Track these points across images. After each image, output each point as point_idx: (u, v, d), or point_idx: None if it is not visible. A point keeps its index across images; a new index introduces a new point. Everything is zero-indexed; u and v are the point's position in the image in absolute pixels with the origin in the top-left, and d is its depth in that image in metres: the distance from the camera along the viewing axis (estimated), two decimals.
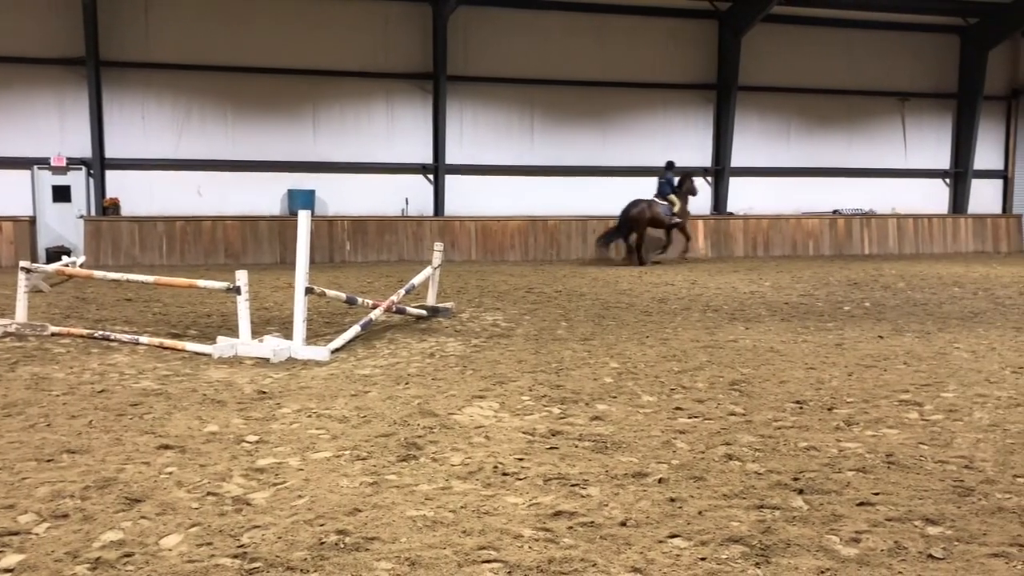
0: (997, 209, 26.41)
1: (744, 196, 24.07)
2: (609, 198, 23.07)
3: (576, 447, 5.40)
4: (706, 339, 9.54)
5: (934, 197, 25.98)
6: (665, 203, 19.97)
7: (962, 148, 25.60)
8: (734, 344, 9.23)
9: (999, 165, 26.41)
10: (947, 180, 26.05)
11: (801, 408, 6.47)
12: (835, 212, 24.54)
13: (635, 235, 19.72)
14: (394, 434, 5.64)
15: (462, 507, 4.33)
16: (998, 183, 26.50)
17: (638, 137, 23.46)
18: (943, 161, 25.91)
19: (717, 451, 5.33)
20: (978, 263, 21.01)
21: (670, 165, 20.81)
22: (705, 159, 24.02)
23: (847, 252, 23.95)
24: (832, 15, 23.73)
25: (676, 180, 20.42)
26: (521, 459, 5.14)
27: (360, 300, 10.01)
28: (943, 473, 4.94)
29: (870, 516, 4.26)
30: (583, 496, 4.51)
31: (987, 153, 26.01)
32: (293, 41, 21.00)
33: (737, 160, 23.80)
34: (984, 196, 26.19)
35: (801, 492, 4.60)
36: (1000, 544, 3.93)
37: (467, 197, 22.31)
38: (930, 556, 3.80)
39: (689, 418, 6.15)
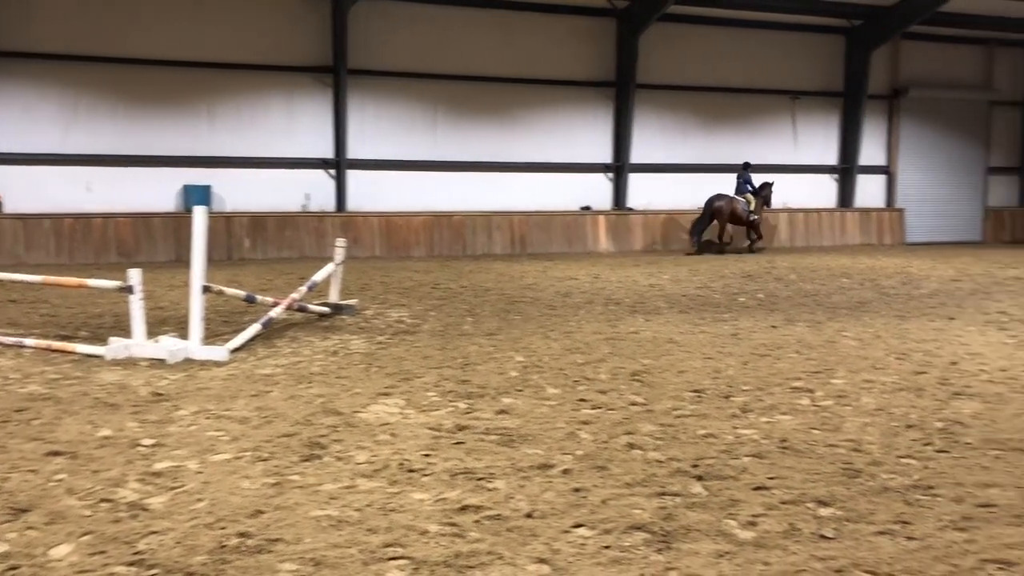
0: (881, 203, 27.65)
1: (643, 192, 24.53)
2: (513, 193, 23.23)
3: (482, 441, 5.42)
4: (608, 331, 9.70)
5: (823, 192, 27.01)
6: (744, 200, 22.13)
7: (848, 145, 26.69)
8: (635, 336, 9.41)
9: (882, 161, 27.63)
10: (835, 175, 27.12)
11: (699, 397, 6.65)
12: None
13: (717, 224, 21.96)
14: (297, 434, 5.55)
15: (367, 505, 4.30)
16: (881, 178, 27.73)
17: (540, 133, 23.61)
18: (831, 157, 26.95)
19: (620, 441, 5.44)
20: (864, 255, 21.98)
21: (747, 165, 22.88)
22: (605, 155, 24.37)
23: (741, 246, 24.68)
24: (726, 15, 24.36)
25: (754, 180, 22.57)
26: (427, 455, 5.13)
27: (260, 298, 9.81)
28: (833, 456, 5.16)
29: (766, 500, 4.41)
30: (489, 490, 4.54)
31: (871, 150, 27.18)
32: (187, 33, 20.33)
33: (636, 156, 24.20)
34: (869, 191, 27.37)
35: (700, 479, 4.73)
36: (886, 522, 4.14)
37: (370, 192, 22.03)
38: (822, 536, 3.97)
39: (592, 409, 6.25)
